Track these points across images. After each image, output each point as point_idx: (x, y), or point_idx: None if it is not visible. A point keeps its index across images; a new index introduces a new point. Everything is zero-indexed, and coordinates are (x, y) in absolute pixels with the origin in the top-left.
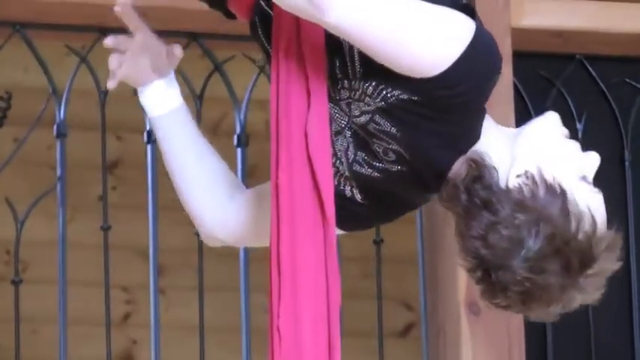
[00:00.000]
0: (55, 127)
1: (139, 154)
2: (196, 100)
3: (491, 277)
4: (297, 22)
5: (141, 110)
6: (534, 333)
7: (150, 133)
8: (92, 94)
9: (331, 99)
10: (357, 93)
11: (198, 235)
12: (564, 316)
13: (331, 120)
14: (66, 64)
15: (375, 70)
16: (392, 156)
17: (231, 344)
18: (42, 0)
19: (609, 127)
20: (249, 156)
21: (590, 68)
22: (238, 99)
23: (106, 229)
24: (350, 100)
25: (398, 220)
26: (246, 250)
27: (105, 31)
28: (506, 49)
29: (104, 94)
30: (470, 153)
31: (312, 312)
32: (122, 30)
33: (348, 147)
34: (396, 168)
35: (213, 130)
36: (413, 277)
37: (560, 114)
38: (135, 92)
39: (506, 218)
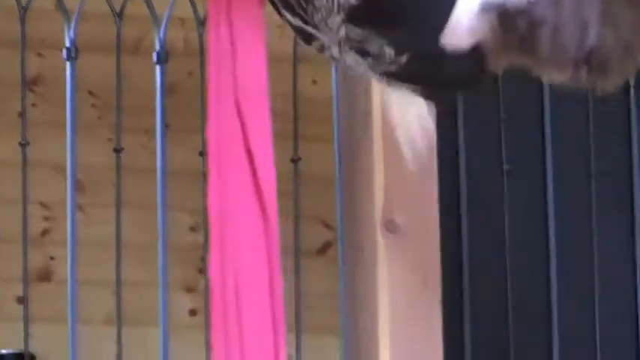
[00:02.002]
0: None
1: (58, 70)
2: (116, 18)
3: None
4: None
5: (61, 27)
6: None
7: (69, 50)
8: (12, 10)
9: None
10: None
11: (116, 150)
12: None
13: None
14: None
15: None
16: None
17: (149, 261)
18: None
19: None
20: (169, 74)
21: None
22: (158, 17)
23: (24, 144)
24: None
25: (316, 139)
26: (164, 167)
27: None
28: None
29: (24, 9)
30: None
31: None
32: None
33: None
34: None
35: (134, 49)
36: (332, 196)
37: None
38: (56, 8)
39: None
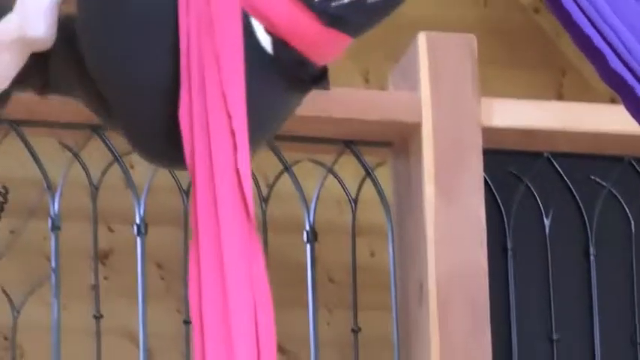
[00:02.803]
0: (49, 220)
1: (129, 243)
2: (182, 194)
3: None
4: None
5: (131, 202)
6: None
7: (139, 227)
8: (84, 187)
9: None
10: None
11: (186, 322)
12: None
13: None
14: (60, 159)
15: None
16: None
17: None
18: (36, 99)
19: (575, 221)
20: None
21: (556, 165)
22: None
23: (98, 317)
24: None
25: (374, 307)
26: None
27: (95, 129)
28: (476, 147)
29: (95, 188)
30: None
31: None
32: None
33: None
34: None
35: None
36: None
37: (528, 209)
38: (126, 185)
39: None
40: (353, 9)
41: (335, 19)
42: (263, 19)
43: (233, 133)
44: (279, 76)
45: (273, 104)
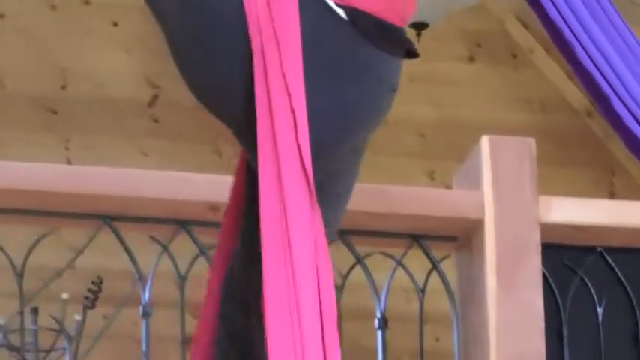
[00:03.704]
0: (140, 307)
1: None
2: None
3: None
4: None
5: None
6: None
7: None
8: (172, 277)
9: None
10: None
11: None
12: None
13: None
14: (150, 251)
15: None
16: None
17: None
18: (127, 196)
19: (626, 310)
20: None
21: (608, 258)
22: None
23: None
24: None
25: None
26: None
27: (182, 224)
28: (535, 242)
29: (183, 278)
30: None
31: None
32: (200, 222)
33: None
34: None
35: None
36: None
37: (582, 298)
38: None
39: None
40: None
41: None
42: None
43: (293, 111)
44: (365, 43)
45: (366, 72)
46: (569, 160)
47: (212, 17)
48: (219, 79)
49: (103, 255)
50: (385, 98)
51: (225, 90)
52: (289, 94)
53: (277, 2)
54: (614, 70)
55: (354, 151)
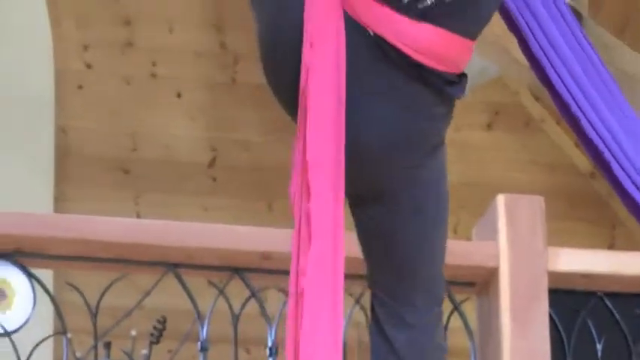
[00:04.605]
0: (199, 343)
1: None
2: None
3: None
4: None
5: (264, 329)
6: None
7: (271, 349)
8: (227, 316)
9: None
10: None
11: None
12: None
13: None
14: (208, 294)
15: None
16: None
17: None
18: (189, 246)
19: (622, 347)
20: None
21: (607, 302)
22: None
23: None
24: None
25: None
26: None
27: (236, 270)
28: (544, 287)
29: (236, 317)
30: None
31: None
32: (252, 269)
33: None
34: None
35: None
36: None
37: (584, 337)
38: (261, 313)
39: None
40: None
41: (423, 14)
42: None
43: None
44: (406, 80)
45: (409, 105)
46: (575, 216)
47: (277, 30)
48: (283, 81)
49: (168, 297)
50: (422, 124)
51: (287, 91)
52: (306, 121)
53: (320, 33)
54: (615, 140)
55: (410, 167)
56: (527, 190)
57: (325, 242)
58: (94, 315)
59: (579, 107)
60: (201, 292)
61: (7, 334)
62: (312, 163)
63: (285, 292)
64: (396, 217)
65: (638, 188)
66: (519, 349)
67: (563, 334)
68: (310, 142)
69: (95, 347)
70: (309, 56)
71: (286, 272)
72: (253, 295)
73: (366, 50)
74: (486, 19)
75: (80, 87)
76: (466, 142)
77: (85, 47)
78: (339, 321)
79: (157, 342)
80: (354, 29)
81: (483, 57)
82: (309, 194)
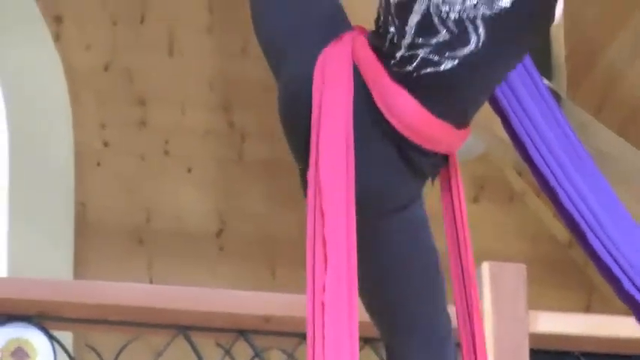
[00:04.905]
0: None
1: None
2: None
3: None
4: None
5: None
6: None
7: None
8: None
9: None
10: None
11: None
12: None
13: None
14: (215, 354)
15: None
16: None
17: None
18: (198, 310)
19: None
20: None
21: None
22: None
23: None
24: None
25: None
26: None
27: (241, 332)
28: (525, 348)
29: None
30: None
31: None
32: (256, 331)
33: None
34: None
35: None
36: None
37: None
38: None
39: None
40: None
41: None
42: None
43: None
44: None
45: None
46: (554, 282)
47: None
48: (296, 132)
49: (178, 357)
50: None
51: (299, 139)
52: (317, 168)
53: (329, 93)
54: (591, 212)
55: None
56: (510, 258)
57: (340, 262)
58: None
59: (557, 182)
60: (210, 353)
61: None
62: (325, 189)
63: (287, 353)
64: None
65: (612, 257)
66: None
67: None
68: (323, 168)
69: None
70: (321, 93)
71: (287, 334)
72: (257, 355)
73: (365, 103)
74: (471, 106)
75: (98, 164)
76: None
77: (103, 126)
78: (355, 333)
79: None
80: (358, 80)
81: (471, 135)
82: (322, 218)
